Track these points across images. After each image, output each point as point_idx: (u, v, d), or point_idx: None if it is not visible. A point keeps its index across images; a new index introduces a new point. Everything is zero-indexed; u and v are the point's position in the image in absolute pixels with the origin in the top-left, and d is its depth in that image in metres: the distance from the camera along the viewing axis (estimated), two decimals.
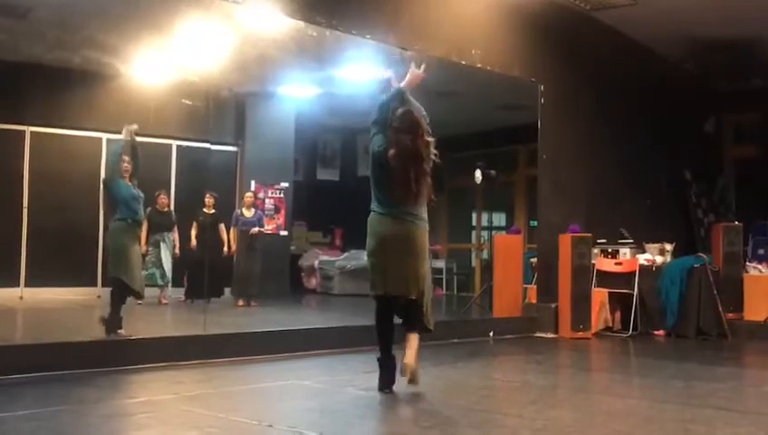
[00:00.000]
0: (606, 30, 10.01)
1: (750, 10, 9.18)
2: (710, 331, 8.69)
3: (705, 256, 9.08)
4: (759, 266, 9.46)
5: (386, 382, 4.89)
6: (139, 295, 6.83)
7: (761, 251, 10.44)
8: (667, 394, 5.34)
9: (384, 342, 4.97)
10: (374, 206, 5.00)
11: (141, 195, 6.86)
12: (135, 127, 6.95)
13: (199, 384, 5.27)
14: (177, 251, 10.26)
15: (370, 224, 5.03)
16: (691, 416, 4.46)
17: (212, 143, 11.28)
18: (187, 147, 11.43)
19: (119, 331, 6.39)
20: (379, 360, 4.97)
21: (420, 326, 4.95)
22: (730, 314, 8.91)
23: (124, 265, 6.58)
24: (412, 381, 4.82)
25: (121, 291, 6.61)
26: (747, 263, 9.62)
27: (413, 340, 4.86)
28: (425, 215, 4.97)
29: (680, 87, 11.10)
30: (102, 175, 10.62)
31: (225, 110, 11.69)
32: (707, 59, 10.92)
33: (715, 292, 8.74)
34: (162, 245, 10.09)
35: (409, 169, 4.75)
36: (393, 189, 4.83)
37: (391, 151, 4.78)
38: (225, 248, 10.48)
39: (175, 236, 10.26)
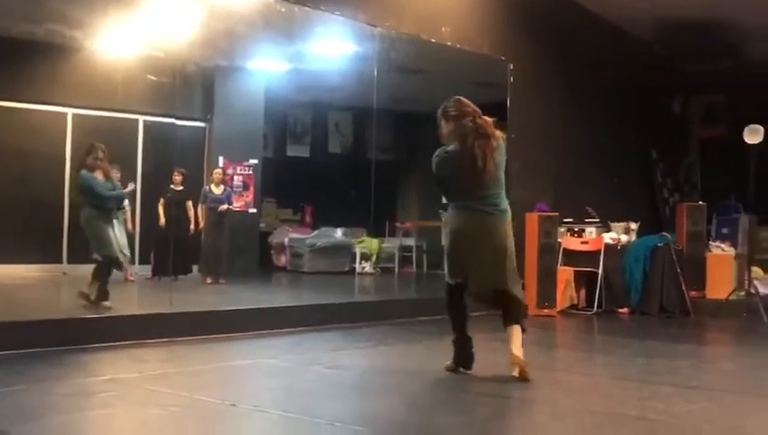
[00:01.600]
0: (577, 10, 10.05)
1: None
2: (673, 309, 8.83)
3: (668, 235, 9.21)
4: (722, 246, 9.63)
5: (464, 362, 4.87)
6: (119, 264, 7.43)
7: (724, 230, 10.63)
8: (628, 371, 5.44)
9: (458, 324, 4.93)
10: (450, 203, 4.94)
11: (115, 185, 7.27)
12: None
13: (164, 363, 5.26)
14: (129, 226, 10.07)
15: (448, 217, 4.97)
16: (650, 393, 4.55)
17: (179, 119, 11.11)
18: (154, 122, 11.27)
19: (104, 302, 6.65)
20: (454, 342, 4.94)
21: (517, 316, 4.83)
22: (693, 293, 9.06)
23: (105, 241, 6.95)
24: (523, 375, 4.64)
25: (106, 266, 6.93)
26: (711, 242, 9.78)
27: (516, 333, 4.75)
28: (503, 204, 4.79)
29: (649, 67, 11.18)
30: (68, 151, 10.57)
31: (193, 85, 11.52)
32: (676, 40, 11.00)
33: (679, 270, 8.88)
34: (114, 221, 9.94)
35: (473, 147, 4.62)
36: (461, 177, 4.69)
37: (454, 136, 4.75)
38: (193, 226, 10.40)
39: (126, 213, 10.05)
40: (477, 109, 4.79)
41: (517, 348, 4.68)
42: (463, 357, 4.88)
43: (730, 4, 9.78)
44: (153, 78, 9.85)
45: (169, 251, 9.60)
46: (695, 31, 10.46)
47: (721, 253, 9.47)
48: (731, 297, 9.07)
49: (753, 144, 8.77)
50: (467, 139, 4.66)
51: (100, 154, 7.00)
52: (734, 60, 11.38)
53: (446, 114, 4.81)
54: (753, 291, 8.92)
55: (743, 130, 8.89)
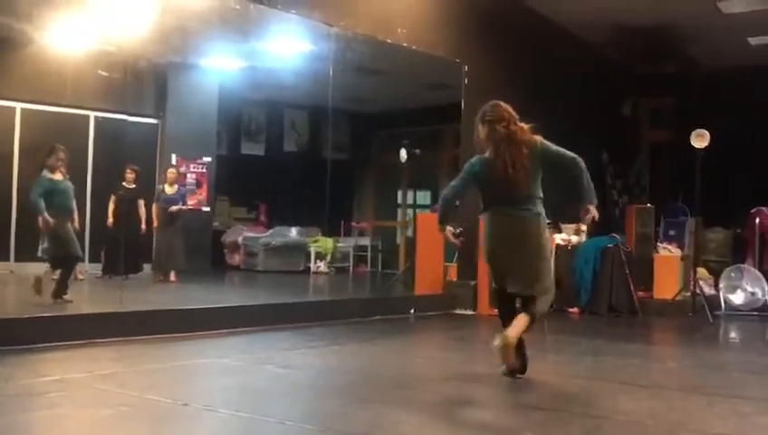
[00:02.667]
0: (530, 13, 10.18)
1: None
2: (622, 308, 9.02)
3: (618, 236, 9.40)
4: (669, 247, 9.86)
5: (517, 366, 4.79)
6: (78, 257, 7.57)
7: (672, 232, 10.88)
8: (577, 369, 5.54)
9: (506, 327, 4.82)
10: (485, 210, 4.92)
11: (67, 187, 7.40)
12: None
13: (114, 362, 5.19)
14: (75, 224, 9.91)
15: (483, 225, 4.96)
16: (598, 390, 4.65)
17: (131, 115, 10.97)
18: (105, 118, 11.09)
19: (64, 296, 6.90)
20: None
21: (533, 318, 4.77)
22: (641, 293, 9.28)
23: (62, 239, 7.19)
24: (508, 361, 4.66)
25: (66, 262, 7.21)
26: (658, 243, 10.00)
27: (520, 318, 4.73)
28: (537, 208, 4.79)
29: (601, 71, 11.40)
30: (16, 147, 10.33)
31: (145, 81, 11.37)
32: (627, 44, 11.23)
33: (627, 271, 9.07)
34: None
35: (504, 153, 4.67)
36: (494, 183, 4.74)
37: (488, 141, 4.79)
38: (144, 225, 10.26)
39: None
40: (515, 114, 4.79)
41: (510, 330, 4.65)
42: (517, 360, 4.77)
43: (678, 9, 10.01)
44: (104, 73, 9.69)
45: (120, 249, 9.46)
46: (644, 35, 10.69)
47: (668, 254, 9.70)
48: (677, 297, 9.31)
49: (700, 148, 8.99)
50: (499, 145, 4.71)
51: (62, 155, 7.25)
52: (682, 65, 11.67)
53: (482, 119, 4.82)
54: (698, 291, 9.16)
55: (690, 134, 9.12)
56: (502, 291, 4.89)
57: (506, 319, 4.83)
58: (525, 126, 4.80)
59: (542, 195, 4.85)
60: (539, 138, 4.81)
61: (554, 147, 4.83)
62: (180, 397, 4.08)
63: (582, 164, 4.79)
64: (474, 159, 4.92)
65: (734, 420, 3.96)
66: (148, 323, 6.24)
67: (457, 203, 5.36)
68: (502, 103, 4.86)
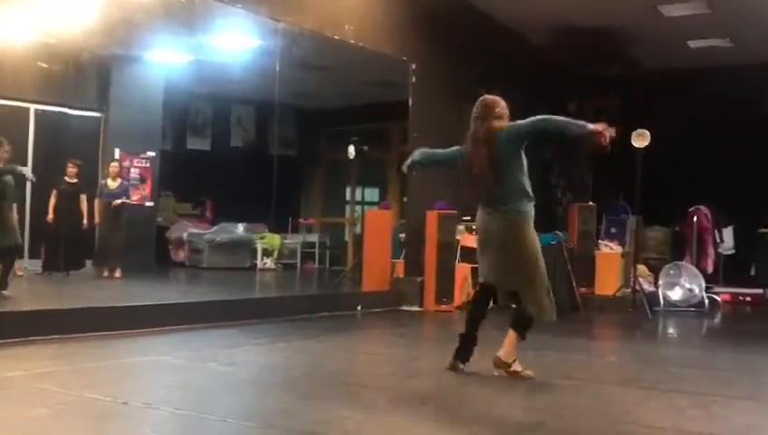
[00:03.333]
0: (477, 14, 10.28)
1: (609, 1, 9.68)
2: (564, 304, 9.17)
3: (561, 233, 9.56)
4: (610, 244, 10.08)
5: (460, 359, 4.88)
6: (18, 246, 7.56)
7: (613, 230, 11.12)
8: (520, 364, 5.61)
9: (468, 322, 4.95)
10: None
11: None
12: None
13: (54, 361, 5.08)
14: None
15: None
16: (539, 385, 4.72)
17: (73, 108, 10.73)
18: (46, 111, 10.82)
19: (3, 292, 6.95)
20: (459, 335, 4.95)
21: (518, 322, 4.81)
22: (583, 289, 9.46)
23: (4, 228, 7.16)
24: (511, 374, 4.77)
25: (9, 253, 7.21)
26: (600, 241, 10.21)
27: (508, 336, 4.80)
28: (518, 205, 4.68)
29: (546, 71, 11.56)
30: None
31: (88, 73, 11.12)
32: (571, 46, 11.42)
33: (570, 268, 9.24)
34: None
35: (471, 153, 4.70)
36: (469, 180, 4.80)
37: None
38: (86, 220, 10.06)
39: None
40: (493, 109, 4.76)
41: (503, 351, 4.76)
42: (458, 354, 4.89)
43: (620, 12, 10.23)
44: (45, 65, 9.46)
45: (61, 245, 9.26)
46: (588, 37, 10.89)
47: (609, 251, 9.92)
48: (618, 293, 9.52)
49: (640, 148, 9.21)
50: (469, 144, 4.78)
51: (7, 147, 7.31)
52: (625, 66, 11.91)
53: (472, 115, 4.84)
54: (638, 288, 9.39)
55: (631, 134, 9.32)
56: (485, 286, 4.98)
57: (471, 316, 4.98)
58: (494, 125, 4.70)
59: (527, 188, 4.74)
60: (502, 125, 4.71)
61: (519, 124, 4.69)
62: (120, 395, 4.02)
63: (550, 118, 4.64)
64: (462, 146, 4.90)
65: (670, 413, 4.07)
66: (89, 320, 6.12)
67: (425, 163, 5.27)
68: (486, 98, 4.85)
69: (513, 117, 4.87)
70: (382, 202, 12.77)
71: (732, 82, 11.73)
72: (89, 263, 10.50)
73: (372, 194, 15.58)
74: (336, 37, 8.52)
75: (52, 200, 9.91)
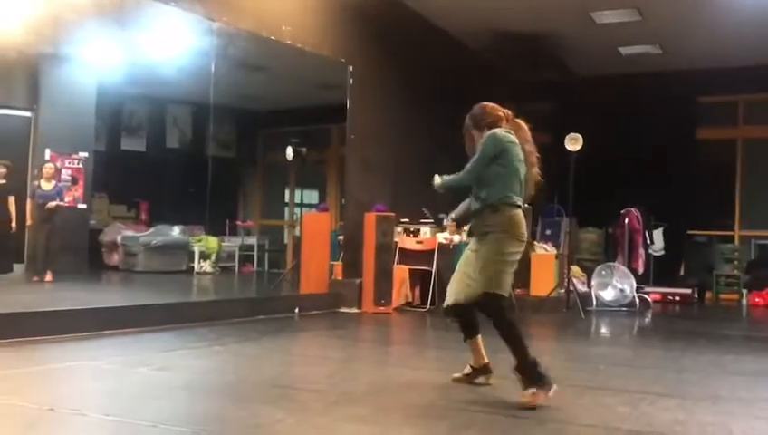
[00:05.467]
0: (415, 17, 10.35)
1: (543, 7, 9.85)
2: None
3: None
4: (545, 246, 10.26)
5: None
6: None
7: (548, 232, 11.32)
8: (457, 366, 5.64)
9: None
10: None
11: None
12: None
13: None
14: None
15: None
16: (473, 386, 4.77)
17: (0, 107, 10.40)
18: None
19: None
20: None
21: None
22: (518, 290, 9.61)
23: None
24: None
25: None
26: (535, 242, 10.39)
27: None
28: (485, 194, 4.35)
29: (481, 75, 11.70)
30: None
31: (15, 72, 10.79)
32: (507, 51, 11.59)
33: None
34: None
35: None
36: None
37: None
38: (14, 223, 9.77)
39: None
40: (478, 118, 4.59)
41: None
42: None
43: (554, 19, 10.43)
44: None
45: None
46: (523, 43, 11.08)
47: (544, 253, 10.10)
48: (552, 294, 9.70)
49: (573, 151, 9.40)
50: (521, 145, 4.55)
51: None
52: (558, 72, 12.15)
53: None
54: (571, 288, 9.58)
55: (564, 138, 9.52)
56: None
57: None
58: (478, 131, 4.55)
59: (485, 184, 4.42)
60: (483, 136, 4.48)
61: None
62: (46, 401, 3.92)
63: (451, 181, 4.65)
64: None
65: (599, 411, 4.16)
66: (15, 325, 5.94)
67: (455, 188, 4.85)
68: (480, 106, 4.66)
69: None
70: (320, 205, 12.74)
71: (661, 87, 12.10)
72: (18, 267, 10.20)
73: (311, 196, 15.54)
74: (273, 38, 8.47)
75: None
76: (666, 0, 9.75)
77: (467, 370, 4.72)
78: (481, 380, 4.68)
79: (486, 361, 4.69)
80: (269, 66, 11.08)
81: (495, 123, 4.53)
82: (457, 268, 4.61)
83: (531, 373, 4.17)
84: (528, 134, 4.59)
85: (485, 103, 4.66)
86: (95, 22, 8.67)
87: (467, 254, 4.54)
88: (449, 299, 4.60)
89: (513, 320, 4.38)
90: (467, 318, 4.62)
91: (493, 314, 4.32)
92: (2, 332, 5.74)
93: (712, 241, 12.66)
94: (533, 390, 4.12)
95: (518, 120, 4.61)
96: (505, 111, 4.64)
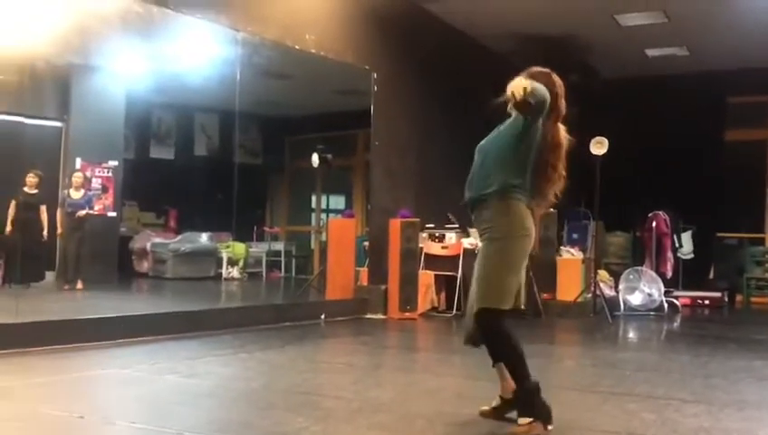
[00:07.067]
0: (438, 22, 10.38)
1: (567, 10, 9.82)
2: (526, 310, 9.27)
3: None
4: (571, 250, 10.21)
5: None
6: None
7: (575, 236, 11.26)
8: (481, 372, 5.60)
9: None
10: None
11: None
12: None
13: (7, 375, 5.00)
14: None
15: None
16: (497, 391, 4.77)
17: (30, 118, 10.58)
18: (3, 121, 10.65)
19: None
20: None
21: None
22: (545, 295, 9.57)
23: None
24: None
25: None
26: (561, 247, 10.34)
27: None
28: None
29: (505, 79, 11.68)
30: None
31: (45, 83, 10.99)
32: (531, 54, 11.53)
33: (531, 274, 9.32)
34: None
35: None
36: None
37: None
38: (46, 232, 9.94)
39: None
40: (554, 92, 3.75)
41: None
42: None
43: (578, 21, 10.39)
44: (0, 76, 9.32)
45: (20, 257, 9.14)
46: (548, 46, 11.04)
47: (570, 257, 10.04)
48: (579, 299, 9.65)
49: (599, 155, 9.35)
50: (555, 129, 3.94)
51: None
52: (584, 74, 12.07)
53: None
54: (598, 293, 9.52)
55: (590, 142, 9.47)
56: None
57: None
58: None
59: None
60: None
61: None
62: (76, 409, 3.99)
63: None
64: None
65: (623, 418, 4.15)
66: (47, 333, 6.05)
67: None
68: (547, 73, 3.94)
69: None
70: (345, 211, 12.79)
71: (689, 88, 12.00)
72: (50, 274, 10.37)
73: (338, 202, 15.61)
74: (297, 47, 8.54)
75: (11, 212, 9.77)
76: (691, 2, 9.67)
77: (496, 402, 3.97)
78: (512, 414, 3.82)
79: None
80: (294, 74, 11.16)
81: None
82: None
83: (531, 400, 3.68)
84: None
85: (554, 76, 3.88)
86: (123, 33, 8.81)
87: None
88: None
89: (512, 334, 3.77)
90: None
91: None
92: (34, 340, 5.86)
93: (742, 243, 12.49)
94: (530, 419, 3.64)
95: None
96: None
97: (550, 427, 3.68)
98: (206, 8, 7.52)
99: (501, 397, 3.94)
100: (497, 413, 3.92)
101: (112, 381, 5.04)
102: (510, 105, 3.74)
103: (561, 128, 3.85)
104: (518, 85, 3.41)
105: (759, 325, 9.87)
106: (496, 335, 3.77)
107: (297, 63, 9.77)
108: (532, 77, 3.71)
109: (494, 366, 3.95)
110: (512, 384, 3.80)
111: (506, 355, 3.79)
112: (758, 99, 12.50)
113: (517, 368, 3.73)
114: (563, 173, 3.83)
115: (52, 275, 10.51)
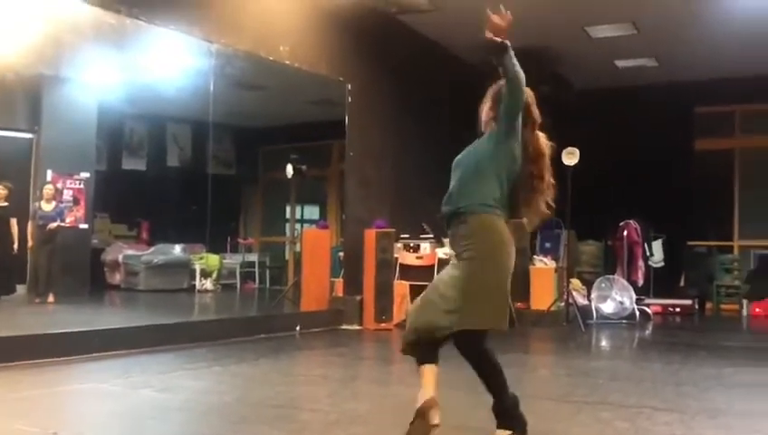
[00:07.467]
0: (412, 33, 10.44)
1: (538, 22, 9.92)
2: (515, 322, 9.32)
3: None
4: (544, 259, 10.29)
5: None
6: None
7: (547, 245, 11.34)
8: (456, 382, 5.68)
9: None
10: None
11: None
12: None
13: None
14: None
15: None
16: (475, 401, 4.78)
17: (2, 129, 10.49)
18: None
19: None
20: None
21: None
22: (518, 304, 9.63)
23: None
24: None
25: None
26: (534, 256, 10.42)
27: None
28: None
29: (478, 90, 11.77)
30: None
31: (16, 94, 10.88)
32: None
33: None
34: None
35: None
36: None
37: None
38: (16, 245, 9.82)
39: None
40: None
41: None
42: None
43: (549, 33, 10.50)
44: None
45: None
46: (520, 57, 11.12)
47: (543, 266, 10.12)
48: (552, 308, 9.72)
49: (570, 165, 9.45)
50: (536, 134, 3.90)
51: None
52: (554, 85, 12.19)
53: None
54: (571, 301, 9.61)
55: (561, 152, 9.57)
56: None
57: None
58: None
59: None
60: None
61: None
62: (50, 425, 3.95)
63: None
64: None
65: (596, 427, 4.19)
66: (19, 348, 5.97)
67: None
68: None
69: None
70: (320, 222, 12.79)
71: (658, 99, 12.18)
72: (21, 288, 10.25)
73: (312, 212, 15.60)
74: (271, 58, 8.55)
75: None
76: (660, 14, 9.83)
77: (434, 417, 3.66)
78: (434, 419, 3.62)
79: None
80: (268, 85, 11.16)
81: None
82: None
83: (512, 413, 3.66)
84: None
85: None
86: (95, 43, 8.75)
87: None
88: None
89: (490, 349, 3.71)
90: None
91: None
92: (5, 355, 5.78)
93: (711, 252, 12.69)
94: (510, 432, 3.62)
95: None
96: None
97: None
98: (179, 20, 7.50)
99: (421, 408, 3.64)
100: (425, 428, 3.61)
101: (86, 397, 4.99)
102: (484, 119, 3.84)
103: (541, 136, 3.81)
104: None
105: (728, 332, 10.02)
106: (482, 354, 3.71)
107: (271, 74, 9.77)
108: (501, 87, 3.73)
109: (421, 366, 3.78)
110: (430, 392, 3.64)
111: (488, 371, 3.73)
112: (725, 108, 12.73)
113: (498, 382, 3.70)
114: (552, 181, 3.77)
115: (24, 289, 10.39)
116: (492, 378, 3.69)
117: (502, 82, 3.73)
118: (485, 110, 3.82)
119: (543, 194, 3.74)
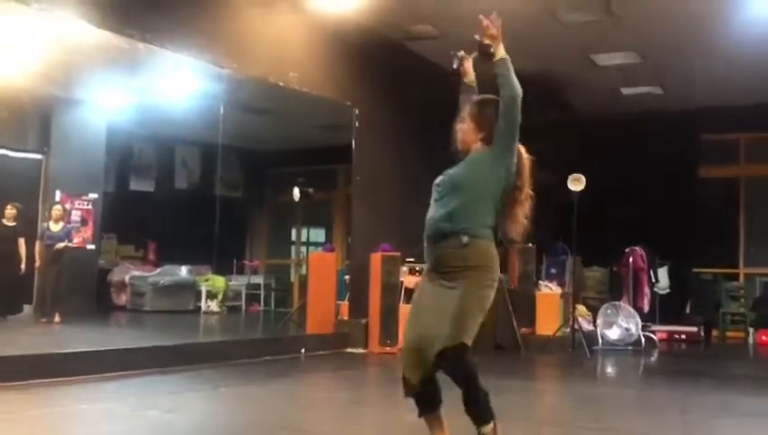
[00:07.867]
0: (418, 59, 10.53)
1: (545, 50, 10.02)
2: (506, 344, 9.34)
3: (501, 274, 9.74)
4: (550, 285, 10.30)
5: None
6: None
7: (553, 270, 11.37)
8: (459, 406, 5.69)
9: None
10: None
11: None
12: None
13: None
14: None
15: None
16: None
17: (13, 150, 10.61)
18: None
19: None
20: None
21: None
22: (524, 329, 9.64)
23: None
24: None
25: None
26: (540, 281, 10.43)
27: None
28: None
29: None
30: None
31: (27, 116, 11.00)
32: None
33: (510, 308, 9.42)
34: None
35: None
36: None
37: None
38: (23, 265, 9.89)
39: None
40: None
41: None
42: None
43: (556, 61, 10.59)
44: None
45: None
46: (526, 84, 11.21)
47: (549, 292, 10.13)
48: (558, 333, 9.72)
49: (576, 191, 9.50)
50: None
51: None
52: (561, 112, 12.29)
53: None
54: (577, 327, 9.61)
55: (567, 179, 9.63)
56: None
57: None
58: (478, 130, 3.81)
59: None
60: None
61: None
62: None
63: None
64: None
65: None
66: (25, 367, 6.00)
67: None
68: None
69: (448, 162, 4.42)
70: (326, 245, 12.83)
71: (663, 126, 12.23)
72: (27, 307, 10.29)
73: (318, 235, 15.65)
74: (280, 84, 8.64)
75: None
76: (666, 42, 9.91)
77: None
78: None
79: None
80: (276, 109, 11.27)
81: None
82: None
83: (486, 407, 3.63)
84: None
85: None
86: (106, 66, 8.87)
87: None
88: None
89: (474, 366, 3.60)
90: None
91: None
92: (12, 374, 5.81)
93: (717, 279, 12.67)
94: (491, 424, 3.61)
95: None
96: None
97: None
98: (191, 45, 7.60)
99: None
100: None
101: (93, 417, 5.00)
102: (464, 139, 3.87)
103: (522, 148, 3.82)
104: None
105: (735, 360, 9.99)
106: (469, 367, 3.62)
107: (280, 99, 9.87)
108: (481, 105, 3.76)
109: (421, 416, 3.81)
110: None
111: (472, 383, 3.64)
112: (731, 136, 12.77)
113: (476, 386, 3.61)
114: (530, 193, 3.75)
115: (30, 308, 10.44)
116: (474, 387, 3.62)
117: (475, 98, 3.84)
118: (466, 130, 3.81)
119: (523, 206, 3.74)
